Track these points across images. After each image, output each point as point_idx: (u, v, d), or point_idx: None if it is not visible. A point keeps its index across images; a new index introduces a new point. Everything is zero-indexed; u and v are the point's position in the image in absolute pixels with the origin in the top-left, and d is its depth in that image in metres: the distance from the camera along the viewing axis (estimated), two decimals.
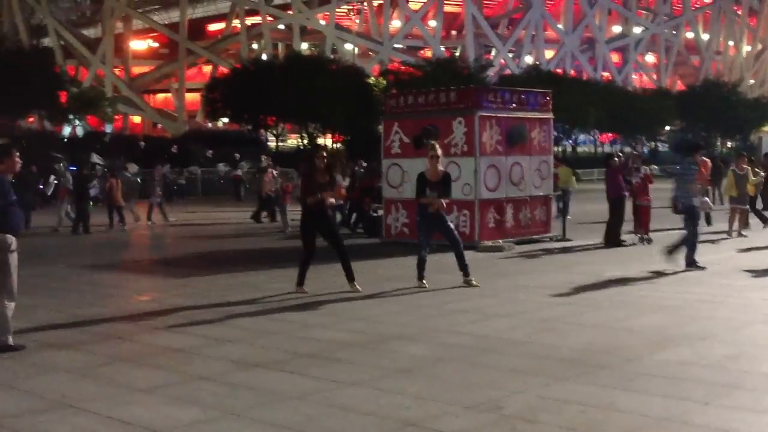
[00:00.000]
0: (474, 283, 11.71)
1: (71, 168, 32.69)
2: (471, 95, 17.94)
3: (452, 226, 12.31)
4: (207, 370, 7.21)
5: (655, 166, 23.84)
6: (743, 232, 19.01)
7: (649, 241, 17.43)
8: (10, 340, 8.04)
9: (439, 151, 11.98)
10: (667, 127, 72.22)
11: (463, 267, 11.82)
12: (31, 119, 57.59)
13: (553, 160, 22.17)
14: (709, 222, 21.16)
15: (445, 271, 12.13)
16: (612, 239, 17.21)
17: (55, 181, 22.91)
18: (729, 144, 76.32)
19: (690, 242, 13.33)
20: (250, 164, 41.92)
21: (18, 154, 8.36)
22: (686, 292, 11.08)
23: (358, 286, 11.39)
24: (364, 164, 23.14)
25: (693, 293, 11.01)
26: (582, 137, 69.38)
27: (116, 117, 67.79)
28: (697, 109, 67.40)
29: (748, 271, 13.18)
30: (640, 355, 7.50)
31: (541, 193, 18.34)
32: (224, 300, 10.90)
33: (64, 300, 11.27)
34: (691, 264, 13.22)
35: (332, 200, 11.58)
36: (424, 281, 11.70)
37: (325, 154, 12.06)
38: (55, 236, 21.99)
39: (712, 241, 17.62)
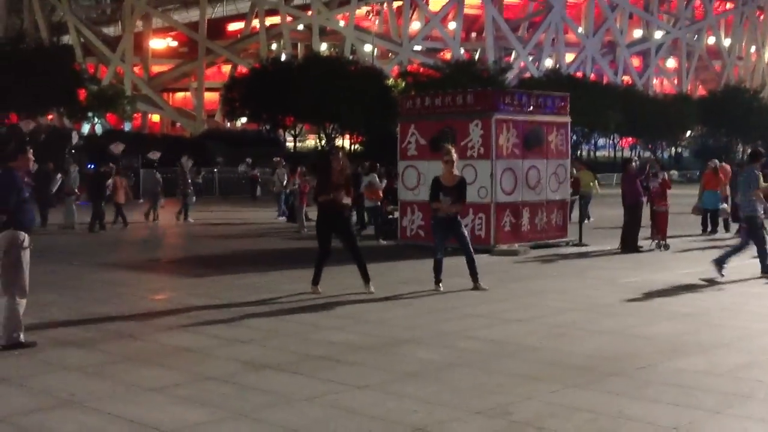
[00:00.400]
0: (483, 287, 11.65)
1: (89, 166, 32.88)
2: (488, 98, 17.87)
3: (466, 232, 12.29)
4: (217, 371, 7.20)
5: (675, 171, 23.70)
6: None
7: (667, 247, 17.31)
8: (22, 337, 8.06)
9: (455, 156, 11.93)
10: (689, 133, 71.78)
11: (473, 274, 11.77)
12: (50, 116, 57.96)
13: (577, 163, 22.12)
14: (727, 228, 21.01)
15: (460, 274, 12.09)
16: (629, 245, 17.10)
17: (60, 180, 23.07)
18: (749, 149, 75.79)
19: (760, 251, 13.03)
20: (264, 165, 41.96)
21: (32, 151, 8.40)
22: (702, 300, 10.99)
23: (372, 288, 11.37)
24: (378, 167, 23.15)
25: (709, 301, 10.91)
26: (602, 141, 69.06)
27: (135, 115, 68.12)
28: (718, 115, 66.96)
29: (760, 277, 13.05)
30: (652, 363, 7.43)
31: (557, 198, 18.25)
32: (237, 300, 10.90)
33: (76, 298, 11.30)
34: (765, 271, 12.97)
35: (347, 200, 11.54)
36: (440, 285, 11.67)
37: (341, 154, 12.02)
38: (70, 234, 22.09)
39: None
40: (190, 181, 26.79)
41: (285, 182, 26.37)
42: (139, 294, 11.83)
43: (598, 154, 68.47)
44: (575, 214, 21.62)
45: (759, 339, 8.55)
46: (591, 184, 24.22)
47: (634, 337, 8.61)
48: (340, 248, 11.82)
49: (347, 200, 11.52)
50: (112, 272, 14.12)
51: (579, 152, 58.94)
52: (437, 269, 11.78)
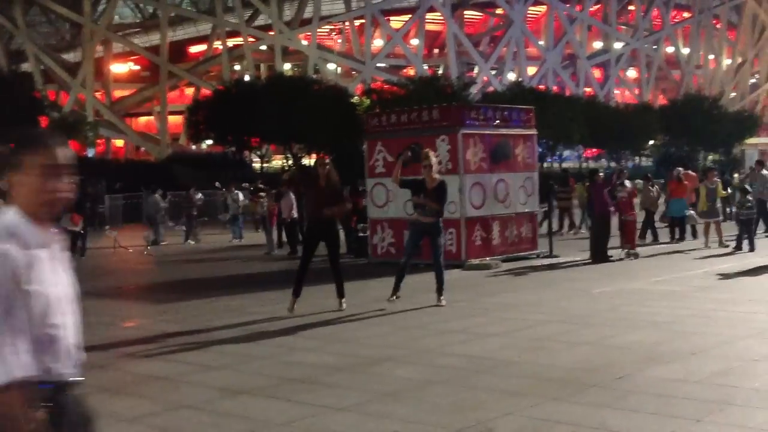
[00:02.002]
0: (441, 303, 11.56)
1: None
2: (454, 113, 17.91)
3: (443, 243, 12.24)
4: (192, 399, 7.07)
5: (640, 181, 23.90)
6: (724, 242, 19.10)
7: (636, 256, 17.41)
8: None
9: (434, 160, 11.91)
10: (651, 142, 72.53)
11: (440, 289, 11.70)
12: (12, 145, 57.24)
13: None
14: (695, 235, 21.20)
15: (432, 290, 12.04)
16: (599, 255, 17.17)
17: None
18: (712, 157, 76.68)
19: None
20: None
21: None
22: (675, 308, 11.02)
23: (344, 305, 11.32)
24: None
25: (682, 308, 10.95)
26: (567, 153, 69.56)
27: (98, 141, 67.51)
28: (680, 123, 67.72)
29: (731, 283, 13.15)
30: (630, 373, 7.42)
31: (527, 210, 18.30)
32: (210, 325, 10.76)
33: None
34: None
35: (347, 206, 11.53)
36: (396, 297, 11.59)
37: (327, 162, 11.83)
38: None
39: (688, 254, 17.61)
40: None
41: (239, 205, 26.73)
42: (110, 322, 11.63)
43: (563, 165, 68.95)
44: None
45: (733, 345, 8.58)
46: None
47: (611, 347, 8.61)
48: (313, 268, 11.73)
49: (348, 205, 11.52)
50: (82, 300, 13.88)
51: (544, 164, 59.28)
52: (399, 278, 11.64)
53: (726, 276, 14.14)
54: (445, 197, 11.94)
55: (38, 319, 2.70)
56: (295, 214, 22.13)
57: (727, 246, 18.76)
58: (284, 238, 22.87)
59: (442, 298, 11.67)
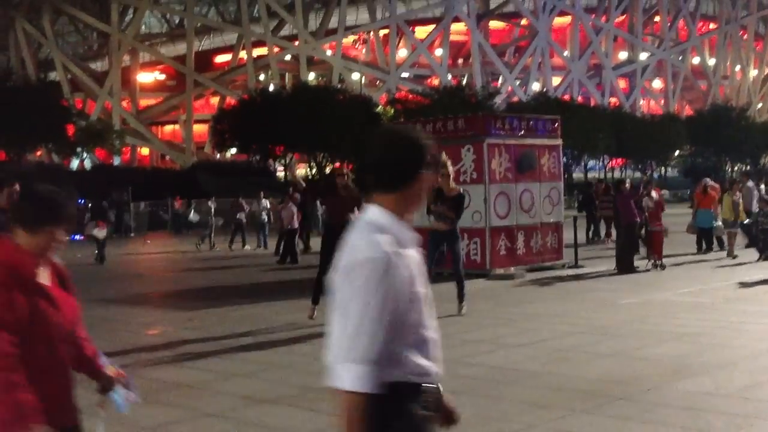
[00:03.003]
0: (462, 312, 11.53)
1: (80, 201, 32.77)
2: (479, 123, 17.85)
3: (462, 253, 12.23)
4: (215, 407, 7.05)
5: (666, 191, 23.70)
6: (734, 253, 19.18)
7: (663, 267, 17.24)
8: None
9: (451, 169, 11.90)
10: (677, 152, 72.08)
11: (461, 297, 11.67)
12: (38, 152, 57.85)
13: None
14: (722, 246, 20.98)
15: (453, 300, 11.97)
16: (625, 266, 17.01)
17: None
18: (738, 168, 76.04)
19: None
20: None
21: (17, 187, 8.24)
22: (703, 319, 10.88)
23: None
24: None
25: (709, 320, 10.81)
26: (592, 163, 69.28)
27: (124, 149, 68.05)
28: (706, 134, 67.29)
29: (759, 295, 12.98)
30: (657, 385, 7.31)
31: (552, 220, 18.17)
32: (232, 333, 10.75)
33: None
34: None
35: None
36: None
37: (346, 172, 11.84)
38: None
39: (723, 266, 17.42)
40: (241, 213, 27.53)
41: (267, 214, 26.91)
42: (134, 329, 11.66)
43: (588, 175, 68.67)
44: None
45: (762, 358, 8.45)
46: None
47: (638, 359, 8.50)
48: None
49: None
50: (104, 308, 13.94)
51: (570, 174, 59.10)
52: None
53: (754, 287, 13.96)
54: (462, 209, 11.96)
55: (419, 320, 2.69)
56: (296, 225, 22.21)
57: (736, 257, 18.78)
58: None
59: (463, 305, 11.63)
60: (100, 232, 23.60)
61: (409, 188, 2.70)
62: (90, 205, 24.59)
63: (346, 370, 2.55)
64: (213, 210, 29.28)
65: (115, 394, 3.56)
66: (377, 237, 2.60)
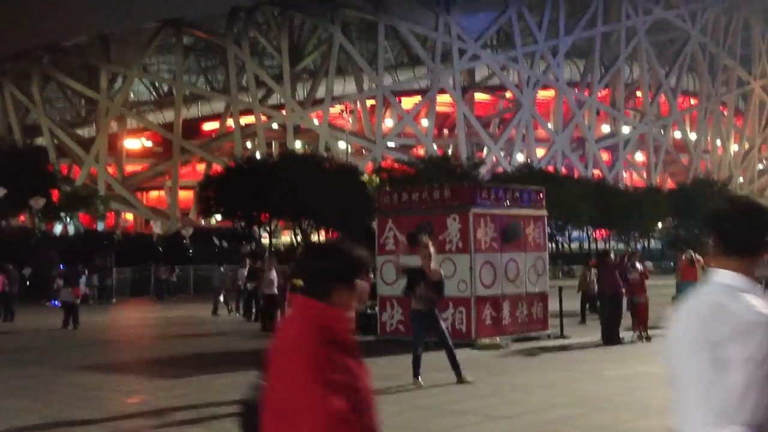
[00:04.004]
0: (468, 379, 11.50)
1: (60, 267, 32.57)
2: (465, 192, 17.93)
3: (445, 327, 12.27)
4: None
5: (650, 263, 23.75)
6: None
7: (649, 338, 17.17)
8: None
9: (432, 250, 11.93)
10: (660, 224, 72.62)
11: (455, 367, 11.64)
12: (22, 217, 57.61)
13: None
14: None
15: (441, 369, 11.86)
16: (611, 337, 16.95)
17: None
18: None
19: None
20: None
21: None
22: None
23: None
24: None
25: None
26: (576, 233, 69.65)
27: (108, 214, 67.88)
28: (688, 207, 67.91)
29: None
30: None
31: (537, 290, 18.15)
32: (215, 401, 10.57)
33: (48, 403, 10.91)
34: None
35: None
36: (419, 378, 11.50)
37: None
38: (41, 335, 21.59)
39: None
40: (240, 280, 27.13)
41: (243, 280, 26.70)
42: (115, 397, 11.45)
43: (572, 246, 68.97)
44: None
45: None
46: None
47: None
48: None
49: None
50: (85, 375, 13.72)
51: (554, 244, 59.36)
52: (416, 363, 11.63)
53: None
54: (443, 291, 12.12)
55: None
56: (275, 290, 21.82)
57: None
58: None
59: (464, 375, 11.59)
60: (75, 299, 23.45)
61: (758, 256, 2.74)
62: (65, 270, 24.44)
63: None
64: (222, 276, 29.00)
65: None
66: (753, 300, 2.59)
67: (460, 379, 11.56)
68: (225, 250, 47.30)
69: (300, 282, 3.10)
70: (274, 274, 21.99)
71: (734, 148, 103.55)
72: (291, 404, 2.74)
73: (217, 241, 42.15)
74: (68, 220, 58.17)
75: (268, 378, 2.89)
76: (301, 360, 2.75)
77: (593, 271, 23.20)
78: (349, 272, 2.95)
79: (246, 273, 26.43)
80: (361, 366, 2.94)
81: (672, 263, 24.55)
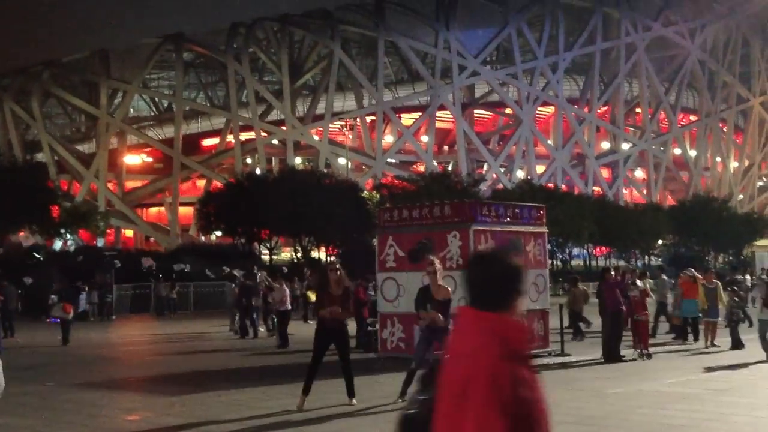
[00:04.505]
0: None
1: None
2: (465, 209, 17.94)
3: None
4: None
5: (650, 280, 23.72)
6: (715, 343, 19.38)
7: (649, 356, 17.15)
8: None
9: (438, 266, 11.87)
10: (660, 241, 72.58)
11: None
12: (21, 233, 57.57)
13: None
14: (695, 336, 20.94)
15: None
16: (611, 355, 16.91)
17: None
18: (721, 258, 76.49)
19: None
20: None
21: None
22: (691, 411, 10.78)
23: (354, 401, 11.20)
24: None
25: (698, 411, 10.70)
26: (576, 251, 69.61)
27: (108, 231, 67.86)
28: (689, 224, 67.94)
29: (748, 386, 12.88)
30: None
31: (537, 307, 18.11)
32: (216, 419, 10.54)
33: (48, 421, 10.87)
34: None
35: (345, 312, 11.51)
36: (403, 400, 11.45)
37: (338, 266, 11.92)
38: (40, 351, 21.54)
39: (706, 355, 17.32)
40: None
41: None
42: (114, 415, 11.41)
43: (573, 263, 68.90)
44: None
45: None
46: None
47: None
48: (323, 362, 11.57)
49: (345, 312, 11.51)
50: (85, 392, 13.67)
51: (554, 261, 59.31)
52: (408, 381, 11.48)
53: (741, 378, 13.88)
54: (449, 311, 11.91)
55: None
56: (289, 306, 22.16)
57: (718, 347, 18.82)
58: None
59: None
60: (66, 315, 23.44)
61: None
62: (60, 286, 24.46)
63: None
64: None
65: None
66: None
67: None
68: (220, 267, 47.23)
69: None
70: (287, 291, 22.26)
71: (734, 165, 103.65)
72: (463, 419, 2.70)
73: (226, 270, 41.98)
74: (68, 236, 58.13)
75: (439, 391, 2.82)
76: (480, 375, 2.71)
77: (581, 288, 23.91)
78: (522, 281, 2.95)
79: (237, 289, 26.35)
80: (535, 376, 2.90)
81: (672, 281, 24.50)
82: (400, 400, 11.46)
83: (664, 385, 13.22)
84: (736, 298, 20.12)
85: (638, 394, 12.22)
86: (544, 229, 18.93)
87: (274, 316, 23.40)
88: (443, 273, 12.17)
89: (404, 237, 17.85)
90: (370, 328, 19.52)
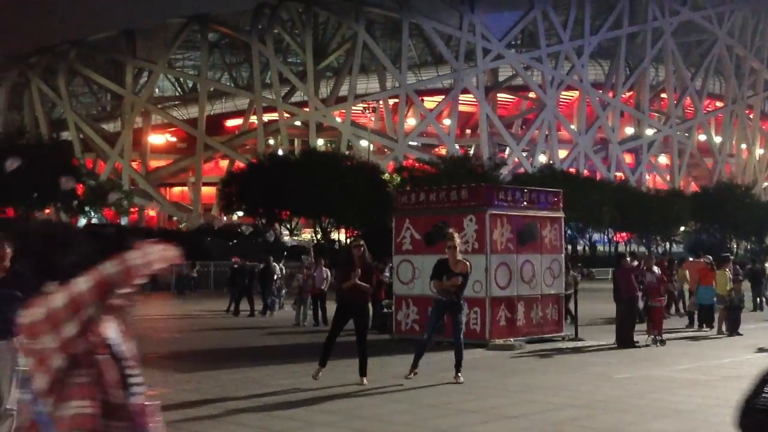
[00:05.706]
0: (459, 380, 11.58)
1: None
2: (482, 193, 18.02)
3: (464, 320, 12.35)
4: None
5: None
6: (722, 330, 19.62)
7: (663, 342, 17.19)
8: None
9: (458, 241, 12.06)
10: (682, 228, 72.25)
11: (458, 366, 11.73)
12: (47, 211, 58.22)
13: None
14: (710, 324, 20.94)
15: (451, 369, 11.96)
16: (625, 340, 16.98)
17: None
18: (744, 245, 76.04)
19: None
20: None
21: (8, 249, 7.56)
22: (700, 396, 10.86)
23: (365, 381, 11.37)
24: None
25: (707, 397, 10.78)
26: (596, 236, 69.46)
27: (132, 209, 68.49)
28: (711, 211, 67.55)
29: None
30: None
31: (552, 292, 18.21)
32: (229, 396, 10.74)
33: None
34: None
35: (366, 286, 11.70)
36: (415, 372, 11.71)
37: (362, 243, 12.10)
38: None
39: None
40: (275, 278, 27.01)
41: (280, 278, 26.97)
42: None
43: (594, 248, 68.81)
44: None
45: None
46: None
47: None
48: (338, 341, 11.76)
49: (368, 287, 11.73)
50: None
51: (574, 247, 59.21)
52: (419, 354, 11.76)
53: (755, 364, 13.91)
54: (466, 281, 12.09)
55: None
56: (324, 287, 22.45)
57: (741, 335, 18.92)
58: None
59: (460, 374, 11.68)
60: None
61: None
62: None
63: None
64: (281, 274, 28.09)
65: None
66: None
67: (456, 378, 11.64)
68: (247, 247, 47.53)
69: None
70: (324, 272, 22.46)
71: (759, 152, 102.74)
72: None
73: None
74: (92, 214, 58.73)
75: None
76: None
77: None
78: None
79: (256, 271, 27.09)
80: None
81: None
82: (411, 375, 11.67)
83: (676, 371, 13.28)
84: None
85: (649, 379, 12.31)
86: (561, 214, 18.97)
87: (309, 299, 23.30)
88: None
89: (421, 220, 17.97)
90: (385, 310, 19.68)
